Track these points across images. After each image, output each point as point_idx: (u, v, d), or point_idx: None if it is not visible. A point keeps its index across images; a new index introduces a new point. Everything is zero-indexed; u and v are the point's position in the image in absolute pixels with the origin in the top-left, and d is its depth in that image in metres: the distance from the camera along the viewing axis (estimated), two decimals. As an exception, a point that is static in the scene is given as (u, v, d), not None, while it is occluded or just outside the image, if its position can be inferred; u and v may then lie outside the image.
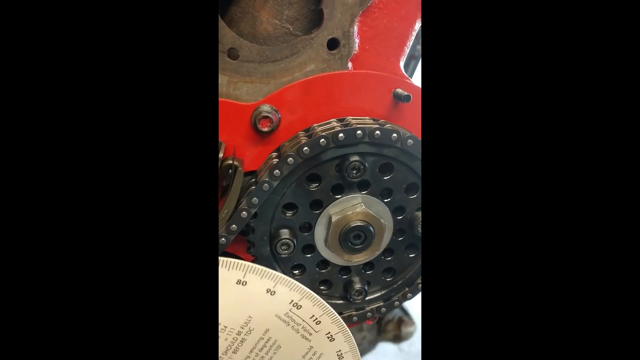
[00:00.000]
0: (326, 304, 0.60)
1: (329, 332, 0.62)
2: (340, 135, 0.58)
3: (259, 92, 0.62)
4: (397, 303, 0.74)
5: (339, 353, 0.64)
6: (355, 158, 0.61)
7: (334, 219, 0.64)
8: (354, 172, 0.61)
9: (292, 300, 0.59)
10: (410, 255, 0.72)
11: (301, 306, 0.59)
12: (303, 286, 0.59)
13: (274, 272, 0.58)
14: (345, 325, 0.62)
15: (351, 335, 0.63)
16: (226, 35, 0.59)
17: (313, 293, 0.59)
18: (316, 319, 0.61)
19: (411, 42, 0.65)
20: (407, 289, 0.74)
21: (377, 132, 0.59)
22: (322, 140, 0.58)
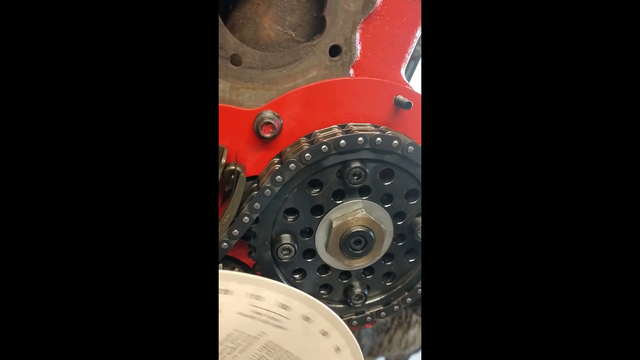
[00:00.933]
0: (315, 300, 0.60)
1: (323, 329, 0.62)
2: (342, 141, 0.59)
3: (261, 98, 0.63)
4: (396, 307, 0.74)
5: (336, 347, 0.63)
6: (357, 164, 0.61)
7: (334, 224, 0.64)
8: (355, 178, 0.62)
9: (279, 302, 0.59)
10: (410, 260, 0.73)
11: (289, 307, 0.59)
12: (288, 286, 0.59)
13: (254, 276, 0.58)
14: (339, 319, 0.62)
15: (347, 328, 0.63)
16: (229, 42, 0.60)
17: (299, 292, 0.59)
18: (307, 317, 0.60)
19: (413, 49, 0.65)
20: (406, 293, 0.74)
21: (379, 138, 0.60)
22: (324, 146, 0.59)
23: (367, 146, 0.60)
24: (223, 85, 0.61)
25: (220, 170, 0.61)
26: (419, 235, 0.68)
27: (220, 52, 0.59)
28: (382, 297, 0.75)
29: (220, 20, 0.58)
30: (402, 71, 0.66)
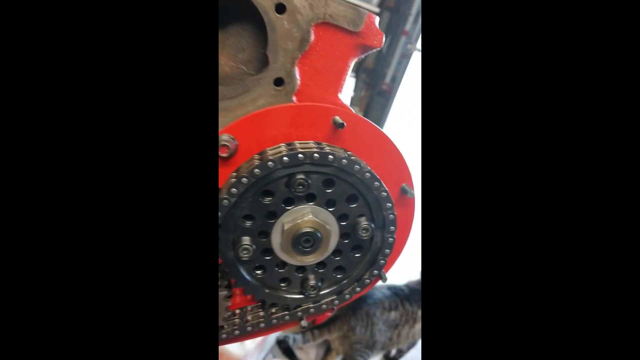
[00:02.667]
0: None
1: None
2: (285, 158, 0.71)
3: (219, 123, 0.75)
4: (347, 296, 0.86)
5: None
6: (301, 176, 0.73)
7: (286, 226, 0.76)
8: (300, 187, 0.73)
9: None
10: (356, 255, 0.84)
11: None
12: None
13: None
14: None
15: None
16: (190, 78, 0.72)
17: None
18: None
19: (347, 76, 0.77)
20: (356, 283, 0.86)
21: (316, 154, 0.72)
22: (270, 163, 0.71)
23: (308, 161, 0.72)
24: (187, 114, 0.73)
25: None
26: (361, 233, 0.80)
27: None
28: (335, 287, 0.86)
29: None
30: (340, 95, 0.78)
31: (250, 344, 2.55)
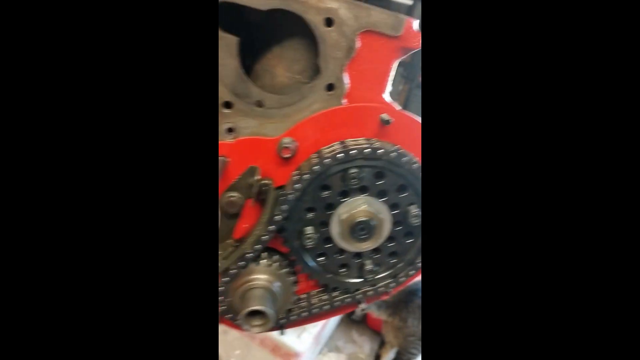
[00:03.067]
0: None
1: None
2: (340, 155, 0.80)
3: (280, 128, 0.85)
4: (402, 279, 0.93)
5: None
6: (354, 170, 0.81)
7: (343, 217, 0.85)
8: (354, 180, 0.82)
9: None
10: (408, 241, 0.91)
11: None
12: None
13: None
14: None
15: None
16: (253, 91, 0.83)
17: None
18: None
19: (390, 77, 0.85)
20: (409, 267, 0.93)
21: (367, 150, 0.80)
22: (327, 160, 0.80)
23: (360, 156, 0.80)
24: (253, 123, 0.85)
25: (257, 184, 0.84)
26: (411, 220, 0.86)
27: (247, 100, 0.83)
28: (390, 271, 0.94)
29: (245, 74, 0.81)
30: (385, 95, 0.85)
31: (307, 336, 2.67)
